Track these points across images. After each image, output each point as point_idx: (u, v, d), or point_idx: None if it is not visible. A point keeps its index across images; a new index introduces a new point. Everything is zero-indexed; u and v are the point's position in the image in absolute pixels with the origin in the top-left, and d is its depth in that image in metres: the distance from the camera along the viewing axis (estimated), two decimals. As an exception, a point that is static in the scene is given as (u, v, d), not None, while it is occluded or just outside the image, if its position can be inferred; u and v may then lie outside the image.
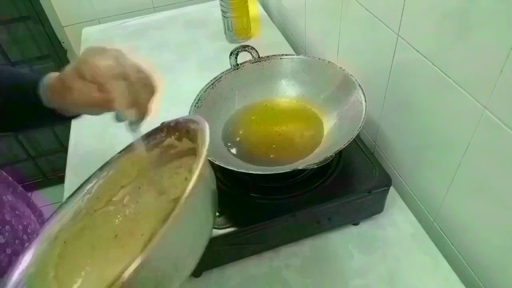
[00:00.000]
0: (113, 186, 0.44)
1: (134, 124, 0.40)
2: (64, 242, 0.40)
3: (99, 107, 0.39)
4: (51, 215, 0.42)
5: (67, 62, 1.43)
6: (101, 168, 0.44)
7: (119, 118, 0.41)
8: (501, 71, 0.38)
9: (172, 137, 0.41)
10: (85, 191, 0.43)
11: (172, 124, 0.41)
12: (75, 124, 0.84)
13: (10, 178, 0.58)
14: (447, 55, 0.46)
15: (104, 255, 0.42)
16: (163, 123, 0.62)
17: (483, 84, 0.41)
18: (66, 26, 1.30)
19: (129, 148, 0.44)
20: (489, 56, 0.39)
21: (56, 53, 1.40)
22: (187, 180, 0.42)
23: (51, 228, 0.40)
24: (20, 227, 0.52)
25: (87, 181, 0.44)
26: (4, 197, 0.52)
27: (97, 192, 0.43)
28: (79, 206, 0.42)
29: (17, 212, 0.54)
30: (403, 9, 0.51)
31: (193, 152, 0.39)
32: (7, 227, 0.50)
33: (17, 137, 1.59)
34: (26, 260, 0.37)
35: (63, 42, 1.39)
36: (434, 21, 0.46)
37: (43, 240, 0.39)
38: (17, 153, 1.64)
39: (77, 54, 1.22)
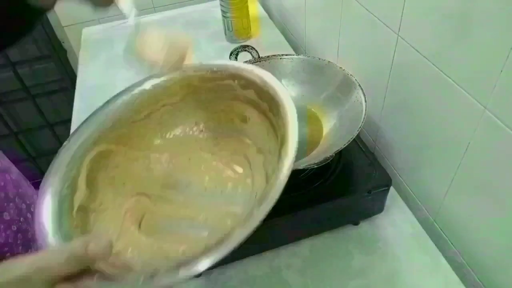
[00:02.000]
0: (155, 102, 0.42)
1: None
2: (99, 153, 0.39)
3: None
4: (88, 117, 0.40)
5: (67, 62, 1.43)
6: (142, 81, 0.42)
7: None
8: (501, 71, 0.38)
9: (236, 81, 0.38)
10: (123, 100, 0.41)
11: (245, 75, 0.38)
12: (75, 124, 0.84)
13: (8, 160, 0.58)
14: (447, 55, 0.46)
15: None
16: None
17: (483, 84, 0.41)
18: (66, 26, 1.30)
19: (182, 72, 0.42)
20: (489, 56, 0.39)
21: (56, 53, 1.40)
22: (233, 120, 0.40)
23: (89, 129, 0.38)
24: (24, 205, 0.54)
25: (126, 90, 0.42)
26: (7, 175, 0.53)
27: (138, 103, 0.41)
28: (119, 114, 0.41)
29: (20, 190, 0.55)
30: (403, 9, 0.51)
31: (250, 102, 0.38)
32: (11, 204, 0.51)
33: (17, 137, 1.59)
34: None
35: (63, 42, 1.39)
36: (434, 21, 0.46)
37: (79, 143, 0.37)
38: (17, 153, 1.64)
39: (77, 54, 1.22)
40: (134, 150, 0.41)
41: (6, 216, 0.49)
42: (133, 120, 0.41)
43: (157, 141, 0.42)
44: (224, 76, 0.39)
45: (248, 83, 0.37)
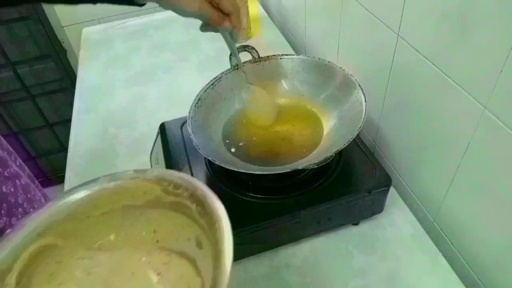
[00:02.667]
0: (116, 201, 0.40)
1: (230, 35, 0.50)
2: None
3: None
4: (41, 207, 0.37)
5: (67, 62, 1.43)
6: (110, 178, 0.40)
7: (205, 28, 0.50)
8: (501, 71, 0.38)
9: (194, 205, 0.36)
10: (83, 193, 0.38)
11: (204, 202, 0.36)
12: (75, 124, 0.84)
13: (20, 160, 0.59)
14: (447, 55, 0.46)
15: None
16: (162, 123, 0.61)
17: (483, 84, 0.41)
18: (66, 26, 1.30)
19: (145, 174, 0.40)
20: (489, 56, 0.39)
21: (56, 53, 1.40)
22: (190, 241, 0.39)
23: (40, 219, 0.35)
24: (31, 210, 0.55)
25: (87, 183, 0.39)
26: (17, 180, 0.54)
27: (97, 200, 0.39)
28: (74, 207, 0.38)
29: (28, 195, 0.56)
30: (403, 9, 0.51)
31: (204, 230, 0.36)
32: (20, 209, 0.52)
33: (17, 137, 1.59)
34: None
35: (63, 42, 1.39)
36: (434, 21, 0.46)
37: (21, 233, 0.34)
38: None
39: (77, 54, 1.22)
40: (82, 247, 0.39)
41: (15, 221, 0.50)
42: (88, 215, 0.39)
43: (110, 240, 0.41)
44: (184, 196, 0.37)
45: (203, 212, 0.35)
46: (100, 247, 0.40)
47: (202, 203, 0.35)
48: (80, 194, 0.38)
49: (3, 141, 0.57)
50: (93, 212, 0.39)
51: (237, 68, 0.64)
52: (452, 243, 0.56)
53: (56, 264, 0.38)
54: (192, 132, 0.54)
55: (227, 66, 0.64)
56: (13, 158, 0.57)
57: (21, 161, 0.59)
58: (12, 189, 0.52)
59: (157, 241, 0.41)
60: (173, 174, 0.38)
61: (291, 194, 0.53)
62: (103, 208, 0.39)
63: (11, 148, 0.58)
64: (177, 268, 0.40)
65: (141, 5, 0.45)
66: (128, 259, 0.41)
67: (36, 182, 0.62)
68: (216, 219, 0.33)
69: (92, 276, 0.39)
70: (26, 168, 0.60)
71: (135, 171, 0.39)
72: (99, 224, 0.40)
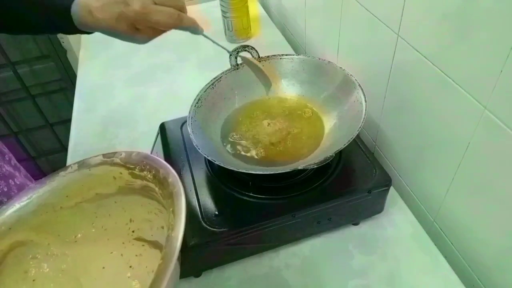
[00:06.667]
0: (88, 190, 0.39)
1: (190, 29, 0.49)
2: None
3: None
4: (8, 201, 0.36)
5: (67, 62, 1.43)
6: (79, 165, 0.39)
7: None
8: (501, 71, 0.38)
9: (157, 188, 0.35)
10: (50, 184, 0.37)
11: (146, 163, 0.36)
12: (75, 124, 0.84)
13: (15, 161, 0.59)
14: (447, 55, 0.46)
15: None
16: (163, 123, 0.61)
17: (483, 84, 0.41)
18: (66, 26, 1.30)
19: (113, 158, 0.38)
20: (489, 56, 0.39)
21: (56, 53, 1.40)
22: (163, 229, 0.37)
23: (8, 215, 0.35)
24: None
25: (54, 174, 0.38)
26: (10, 180, 0.53)
27: (68, 189, 0.38)
28: (44, 199, 0.37)
29: None
30: (403, 9, 0.51)
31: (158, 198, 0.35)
32: None
33: (17, 137, 1.59)
34: None
35: (63, 42, 1.39)
36: (434, 21, 0.46)
37: None
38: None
39: (77, 54, 1.22)
40: (58, 241, 0.38)
41: None
42: (61, 206, 0.38)
43: (86, 232, 0.39)
44: (149, 178, 0.36)
45: (165, 193, 0.34)
46: (76, 240, 0.39)
47: (162, 184, 0.34)
48: (50, 185, 0.37)
49: None
50: (67, 203, 0.38)
51: (237, 68, 0.64)
52: (452, 243, 0.56)
53: (31, 260, 0.37)
54: (192, 132, 0.54)
55: (227, 66, 0.64)
56: (7, 158, 0.57)
57: (16, 161, 0.59)
58: (6, 189, 0.51)
59: (133, 231, 0.40)
60: (139, 154, 0.37)
61: (291, 194, 0.53)
62: (76, 198, 0.38)
63: (5, 149, 0.58)
64: (149, 261, 0.39)
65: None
66: (101, 252, 0.40)
67: (34, 181, 0.62)
68: (171, 203, 0.31)
69: (65, 273, 0.38)
70: (22, 168, 0.60)
71: (104, 155, 0.38)
72: (74, 215, 0.39)
